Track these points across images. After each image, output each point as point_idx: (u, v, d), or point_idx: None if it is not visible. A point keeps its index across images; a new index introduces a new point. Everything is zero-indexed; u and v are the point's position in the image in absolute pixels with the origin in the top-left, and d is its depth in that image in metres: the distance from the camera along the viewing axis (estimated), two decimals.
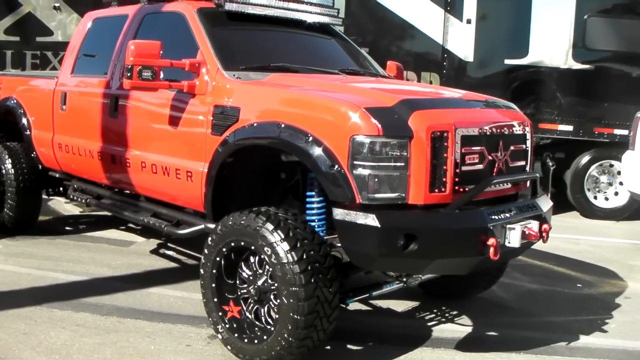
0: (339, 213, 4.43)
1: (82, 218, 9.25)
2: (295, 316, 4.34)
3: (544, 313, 6.22)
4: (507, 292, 6.78)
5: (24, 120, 7.80)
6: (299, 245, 4.39)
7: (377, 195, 4.35)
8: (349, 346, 5.20)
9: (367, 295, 5.14)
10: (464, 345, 5.38)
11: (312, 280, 4.34)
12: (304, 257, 4.36)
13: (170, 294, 6.19)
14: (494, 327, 5.78)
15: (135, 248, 7.81)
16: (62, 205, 9.64)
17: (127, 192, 6.72)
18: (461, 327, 5.74)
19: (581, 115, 10.89)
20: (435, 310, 6.09)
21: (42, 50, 12.52)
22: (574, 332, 5.67)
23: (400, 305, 6.17)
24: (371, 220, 4.28)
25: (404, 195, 4.39)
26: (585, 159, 11.08)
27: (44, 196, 8.14)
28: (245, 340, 4.70)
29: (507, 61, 11.05)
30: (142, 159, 5.94)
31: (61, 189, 7.86)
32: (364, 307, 6.08)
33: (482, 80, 11.17)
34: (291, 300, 4.34)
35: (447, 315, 6.01)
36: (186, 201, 5.69)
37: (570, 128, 10.90)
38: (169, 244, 7.87)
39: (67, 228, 8.64)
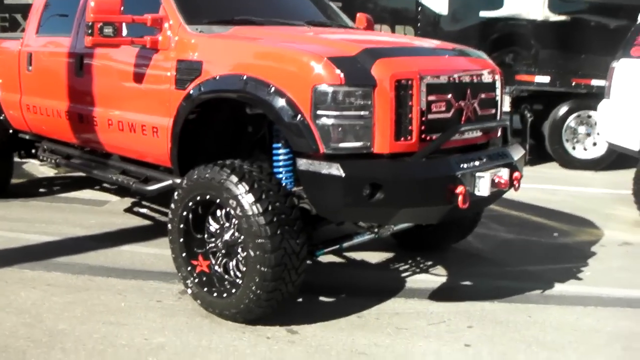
0: (302, 163, 4.38)
1: (57, 180, 9.16)
2: (262, 268, 4.32)
3: (519, 262, 6.24)
4: (483, 242, 6.79)
5: None
6: (264, 197, 4.35)
7: (341, 145, 4.30)
8: (321, 298, 5.21)
9: (337, 247, 5.11)
10: (437, 295, 5.39)
11: (278, 232, 4.31)
12: (270, 208, 4.32)
13: (143, 251, 6.18)
14: (468, 277, 5.79)
15: (109, 207, 7.77)
16: (37, 168, 9.51)
17: (98, 151, 6.65)
18: (435, 278, 5.75)
19: (558, 67, 10.84)
20: (409, 262, 6.09)
21: (11, 12, 12.36)
22: (549, 280, 5.68)
23: (374, 257, 6.16)
24: (335, 169, 4.24)
25: (369, 144, 4.34)
26: (563, 110, 11.02)
27: (17, 159, 8.05)
28: (215, 294, 4.69)
29: (483, 14, 10.91)
30: (109, 117, 5.86)
31: (33, 150, 7.74)
32: (337, 260, 6.08)
33: (458, 33, 11.01)
34: (258, 253, 4.32)
35: (421, 266, 6.01)
36: (154, 157, 5.62)
37: (547, 79, 10.86)
38: (143, 202, 7.83)
39: (40, 190, 8.56)
